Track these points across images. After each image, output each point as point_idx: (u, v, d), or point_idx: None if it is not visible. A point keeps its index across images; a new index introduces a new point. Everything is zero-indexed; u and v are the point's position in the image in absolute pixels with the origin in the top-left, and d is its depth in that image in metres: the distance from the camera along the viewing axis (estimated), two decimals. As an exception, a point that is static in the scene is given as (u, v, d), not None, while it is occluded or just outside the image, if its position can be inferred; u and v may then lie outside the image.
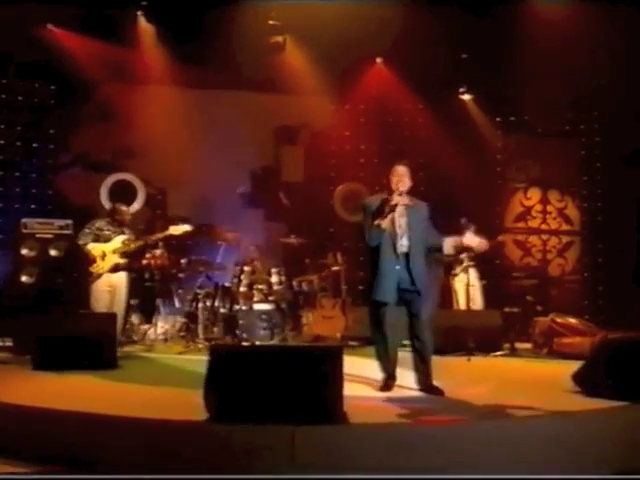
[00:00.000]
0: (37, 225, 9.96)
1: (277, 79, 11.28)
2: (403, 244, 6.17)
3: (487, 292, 10.29)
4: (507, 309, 9.85)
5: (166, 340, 9.43)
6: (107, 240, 8.46)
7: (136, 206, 11.37)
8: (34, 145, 11.32)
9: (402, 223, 6.17)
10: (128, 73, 11.04)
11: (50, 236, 9.89)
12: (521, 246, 12.60)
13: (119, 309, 8.32)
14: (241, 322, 9.22)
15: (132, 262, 8.71)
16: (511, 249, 12.47)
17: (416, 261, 6.14)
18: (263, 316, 9.35)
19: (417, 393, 6.07)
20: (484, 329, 8.78)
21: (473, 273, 9.87)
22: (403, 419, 4.96)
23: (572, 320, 8.83)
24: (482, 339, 8.63)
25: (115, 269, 8.39)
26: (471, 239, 7.07)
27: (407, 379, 6.31)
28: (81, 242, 8.46)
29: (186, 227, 8.82)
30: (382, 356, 6.29)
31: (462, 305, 9.82)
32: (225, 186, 11.70)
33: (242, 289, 9.55)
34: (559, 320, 8.79)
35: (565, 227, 12.80)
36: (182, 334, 9.54)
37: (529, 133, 12.41)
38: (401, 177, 6.17)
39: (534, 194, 12.74)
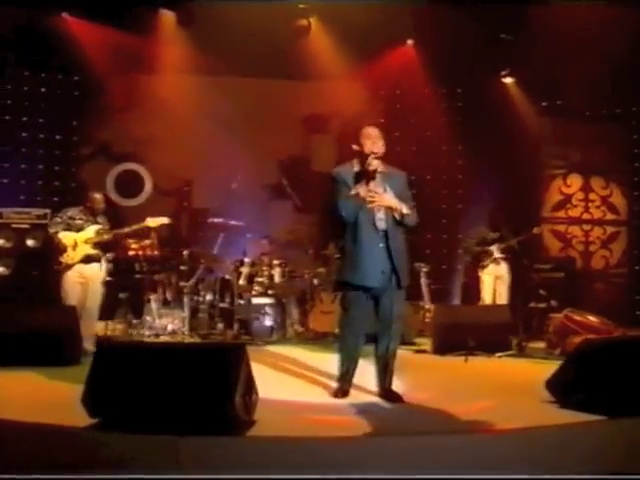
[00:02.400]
0: (13, 215, 9.65)
1: (304, 65, 10.68)
2: (381, 218, 5.40)
3: (514, 286, 9.57)
4: (533, 304, 9.26)
5: (157, 336, 8.88)
6: (79, 229, 8.00)
7: (143, 197, 11.11)
8: (57, 137, 11.11)
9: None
10: (149, 62, 10.68)
11: (27, 226, 9.54)
12: (560, 237, 11.84)
13: (93, 302, 7.93)
14: (238, 317, 8.88)
15: (119, 253, 8.45)
16: (549, 240, 11.72)
17: (396, 239, 5.43)
18: (262, 310, 8.93)
19: (371, 399, 5.50)
20: (489, 326, 7.95)
21: (504, 266, 9.33)
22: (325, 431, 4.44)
23: (589, 317, 8.01)
24: (486, 337, 7.80)
25: (87, 260, 7.92)
26: None
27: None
28: (51, 230, 8.04)
29: (164, 219, 8.39)
30: (345, 355, 5.59)
31: (487, 299, 9.27)
32: (253, 177, 11.26)
33: (241, 282, 9.15)
34: (573, 317, 8.00)
35: (610, 216, 11.98)
36: (178, 329, 9.00)
37: (571, 117, 11.64)
38: (375, 139, 5.48)
39: (575, 181, 11.91)
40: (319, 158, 11.85)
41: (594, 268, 11.85)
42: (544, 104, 11.56)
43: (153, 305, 8.95)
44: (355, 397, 5.54)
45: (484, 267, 9.39)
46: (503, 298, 9.32)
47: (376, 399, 5.51)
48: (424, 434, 4.31)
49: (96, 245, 7.97)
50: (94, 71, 10.57)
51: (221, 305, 9.17)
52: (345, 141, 11.64)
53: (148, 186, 11.40)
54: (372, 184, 5.39)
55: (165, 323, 8.91)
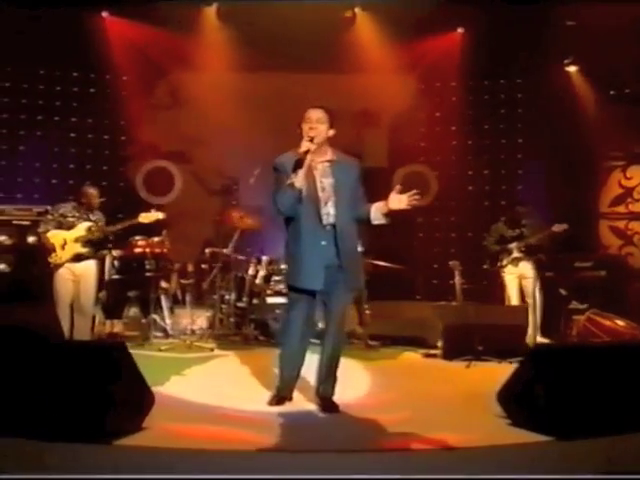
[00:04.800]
0: (15, 211, 9.45)
1: (351, 58, 10.36)
2: (329, 212, 4.96)
3: (549, 286, 8.89)
4: (573, 305, 8.60)
5: (167, 336, 8.71)
6: (70, 227, 7.75)
7: (172, 195, 10.99)
8: (105, 137, 11.08)
9: (326, 185, 5.00)
10: (192, 60, 10.56)
11: (28, 223, 9.30)
12: (620, 234, 10.83)
13: (86, 301, 7.71)
14: (253, 317, 8.67)
15: (126, 250, 8.30)
16: (607, 237, 10.81)
17: (346, 234, 4.97)
18: (277, 311, 8.55)
19: (308, 408, 5.10)
20: (502, 329, 7.32)
21: (525, 264, 8.70)
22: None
23: (616, 320, 7.47)
24: (498, 341, 7.20)
25: (77, 258, 7.68)
26: (397, 200, 5.07)
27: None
28: (41, 230, 7.83)
29: (158, 215, 8.01)
30: (285, 361, 5.20)
31: (514, 300, 8.69)
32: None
33: (257, 281, 8.84)
34: (597, 319, 7.49)
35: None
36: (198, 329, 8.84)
37: (635, 105, 10.81)
38: (314, 123, 4.96)
39: (636, 173, 10.83)
40: (371, 153, 11.41)
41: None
42: (612, 92, 10.81)
43: (164, 304, 8.74)
44: (293, 405, 5.17)
45: (503, 267, 8.80)
46: (534, 299, 8.58)
47: (314, 408, 5.10)
48: (324, 451, 3.94)
49: (87, 243, 7.76)
50: (139, 71, 10.58)
51: (238, 304, 8.92)
52: (397, 135, 11.49)
53: (179, 184, 11.25)
54: (317, 173, 4.98)
55: (185, 323, 8.75)
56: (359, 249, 5.16)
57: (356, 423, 4.74)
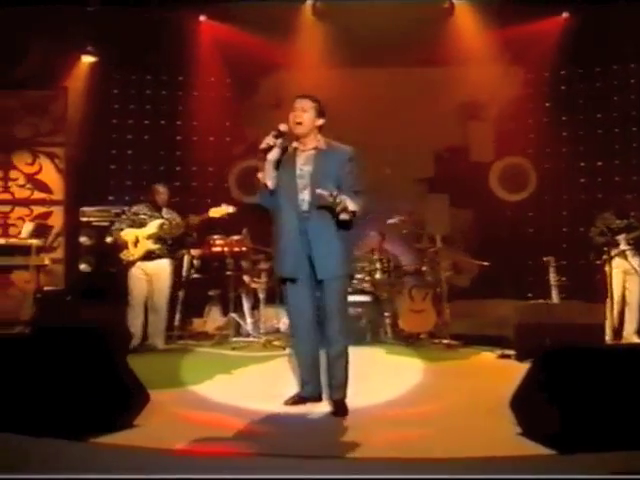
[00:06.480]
0: (95, 212, 9.63)
1: (451, 49, 10.14)
2: (305, 199, 4.82)
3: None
4: None
5: (248, 335, 8.67)
6: (142, 225, 7.96)
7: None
8: (210, 139, 11.23)
9: (305, 172, 4.85)
10: (294, 58, 10.52)
11: (106, 223, 9.36)
12: None
13: (159, 299, 7.87)
14: None
15: (204, 249, 8.33)
16: None
17: (320, 222, 4.75)
18: (358, 309, 8.44)
19: (315, 409, 4.83)
20: (577, 328, 6.70)
21: (634, 258, 8.11)
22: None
23: None
24: (575, 341, 6.38)
25: (149, 256, 7.86)
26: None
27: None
28: (115, 228, 8.08)
29: (228, 209, 8.06)
30: (298, 358, 5.04)
31: (616, 296, 8.01)
32: (407, 170, 10.85)
33: None
34: None
35: None
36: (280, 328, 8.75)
37: None
38: (297, 111, 4.88)
39: None
40: (477, 147, 11.12)
41: None
42: None
43: (245, 303, 8.75)
44: (312, 407, 4.89)
45: (609, 260, 8.01)
46: (635, 296, 8.09)
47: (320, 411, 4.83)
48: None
49: (159, 240, 7.89)
50: (242, 71, 10.74)
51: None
52: (504, 128, 11.10)
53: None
54: (299, 161, 4.86)
55: (271, 322, 8.72)
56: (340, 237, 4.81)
57: (360, 431, 4.33)
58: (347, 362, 4.88)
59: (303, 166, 4.87)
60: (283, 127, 4.87)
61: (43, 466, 3.33)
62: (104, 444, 3.80)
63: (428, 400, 5.35)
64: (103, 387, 3.95)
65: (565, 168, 10.69)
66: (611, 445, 3.43)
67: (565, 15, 10.08)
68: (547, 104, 10.86)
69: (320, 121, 4.97)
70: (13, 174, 10.40)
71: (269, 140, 4.82)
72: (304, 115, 4.88)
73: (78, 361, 4.00)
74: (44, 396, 3.86)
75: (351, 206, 4.61)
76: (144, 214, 8.10)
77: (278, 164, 4.89)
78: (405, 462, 3.55)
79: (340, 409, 4.73)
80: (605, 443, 3.45)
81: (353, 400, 4.88)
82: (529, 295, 9.22)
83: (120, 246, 7.98)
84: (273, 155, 4.85)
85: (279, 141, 4.85)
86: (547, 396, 3.80)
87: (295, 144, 4.97)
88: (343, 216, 4.65)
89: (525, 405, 4.04)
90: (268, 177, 4.86)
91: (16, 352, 4.11)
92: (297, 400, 4.97)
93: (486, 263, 8.97)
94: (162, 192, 8.17)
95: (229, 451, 3.89)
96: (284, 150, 4.92)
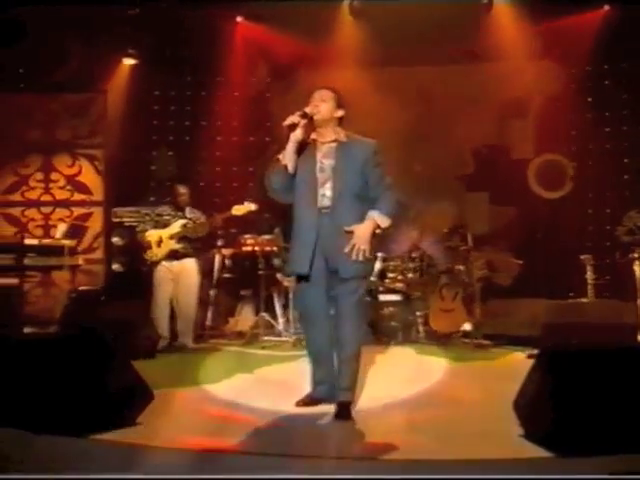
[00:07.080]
0: (126, 213, 9.79)
1: (490, 45, 9.99)
2: (325, 194, 4.67)
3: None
4: None
5: (280, 334, 8.65)
6: (165, 225, 8.04)
7: None
8: (250, 139, 11.25)
9: (326, 166, 4.72)
10: (331, 57, 10.39)
11: (136, 224, 9.39)
12: None
13: (186, 298, 7.91)
14: None
15: (236, 248, 8.34)
16: None
17: (342, 218, 4.62)
18: (390, 308, 8.38)
19: (328, 410, 4.66)
20: (607, 328, 6.49)
21: None
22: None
23: None
24: (604, 341, 6.26)
25: (173, 255, 7.91)
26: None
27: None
28: (139, 229, 8.17)
29: (250, 206, 8.03)
30: (310, 357, 4.91)
31: None
32: (446, 168, 10.77)
33: (372, 278, 8.44)
34: None
35: None
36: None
37: None
38: (316, 101, 4.76)
39: None
40: (517, 145, 10.95)
41: None
42: None
43: (276, 302, 8.72)
44: (318, 409, 4.77)
45: (635, 259, 7.88)
46: None
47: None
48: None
49: (182, 239, 7.93)
50: (280, 71, 10.80)
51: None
52: (545, 125, 10.90)
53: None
54: (319, 155, 4.75)
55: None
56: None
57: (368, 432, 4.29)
58: (358, 365, 4.76)
59: (324, 159, 4.75)
60: (309, 109, 4.77)
61: (42, 465, 3.38)
62: (105, 440, 3.84)
63: (442, 402, 5.29)
64: (106, 385, 4.00)
65: (608, 165, 10.45)
66: (614, 448, 3.34)
67: (606, 8, 9.84)
68: (589, 99, 10.67)
69: (339, 112, 4.87)
70: (54, 176, 10.64)
71: (294, 118, 4.72)
72: (322, 105, 4.78)
73: (80, 360, 4.06)
74: (44, 396, 3.92)
75: (383, 224, 4.63)
76: (167, 214, 8.21)
77: (299, 151, 4.79)
78: (405, 462, 3.51)
79: (343, 412, 4.56)
80: (607, 446, 3.37)
81: (362, 401, 4.90)
82: (570, 294, 9.04)
83: (144, 247, 8.09)
84: (296, 136, 4.75)
85: (303, 122, 4.75)
86: (547, 397, 3.70)
87: (313, 135, 4.86)
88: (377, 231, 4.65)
89: (527, 406, 3.94)
90: (289, 158, 4.76)
91: (30, 351, 4.19)
92: (309, 401, 4.86)
93: (520, 261, 8.84)
94: (183, 193, 8.26)
95: (229, 450, 3.87)
96: (305, 140, 4.82)
